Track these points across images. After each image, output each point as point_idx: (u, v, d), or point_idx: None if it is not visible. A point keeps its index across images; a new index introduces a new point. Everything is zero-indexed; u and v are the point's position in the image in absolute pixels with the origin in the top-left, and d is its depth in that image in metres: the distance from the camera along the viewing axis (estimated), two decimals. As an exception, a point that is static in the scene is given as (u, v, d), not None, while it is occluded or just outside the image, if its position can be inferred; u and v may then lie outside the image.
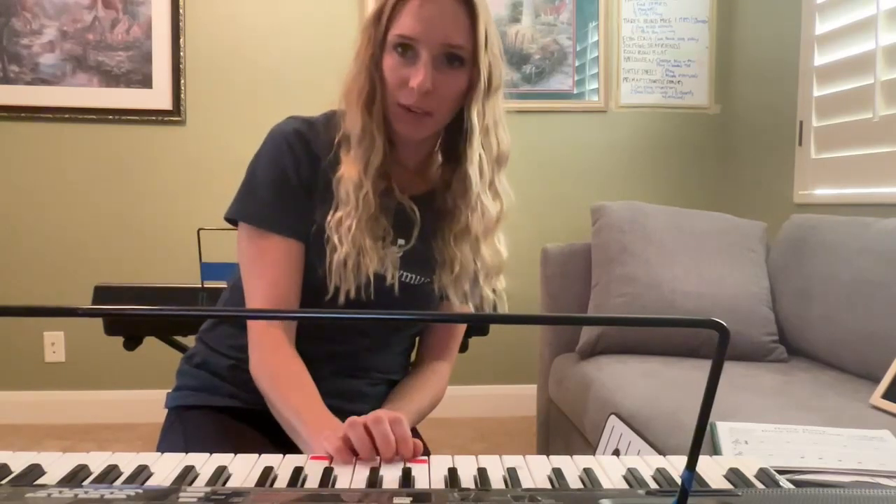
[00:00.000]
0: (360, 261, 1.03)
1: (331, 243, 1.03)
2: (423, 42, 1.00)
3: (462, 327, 1.22)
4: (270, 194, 1.06)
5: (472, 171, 1.06)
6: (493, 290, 1.14)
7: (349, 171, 1.04)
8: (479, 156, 1.07)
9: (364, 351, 1.14)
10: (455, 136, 1.10)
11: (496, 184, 1.12)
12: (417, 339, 1.25)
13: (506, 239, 1.17)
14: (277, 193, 1.06)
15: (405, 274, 1.11)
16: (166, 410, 1.19)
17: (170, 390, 1.21)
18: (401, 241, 1.10)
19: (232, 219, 1.10)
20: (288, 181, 1.06)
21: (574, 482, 0.67)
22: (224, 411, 1.13)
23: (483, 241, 1.11)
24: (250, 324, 1.07)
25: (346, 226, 1.03)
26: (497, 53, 1.06)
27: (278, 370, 1.03)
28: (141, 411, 2.85)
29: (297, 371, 1.03)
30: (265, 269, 1.06)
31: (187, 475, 0.66)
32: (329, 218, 1.04)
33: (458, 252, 1.10)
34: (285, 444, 0.98)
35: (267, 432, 1.10)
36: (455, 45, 1.01)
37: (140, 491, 0.59)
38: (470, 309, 1.17)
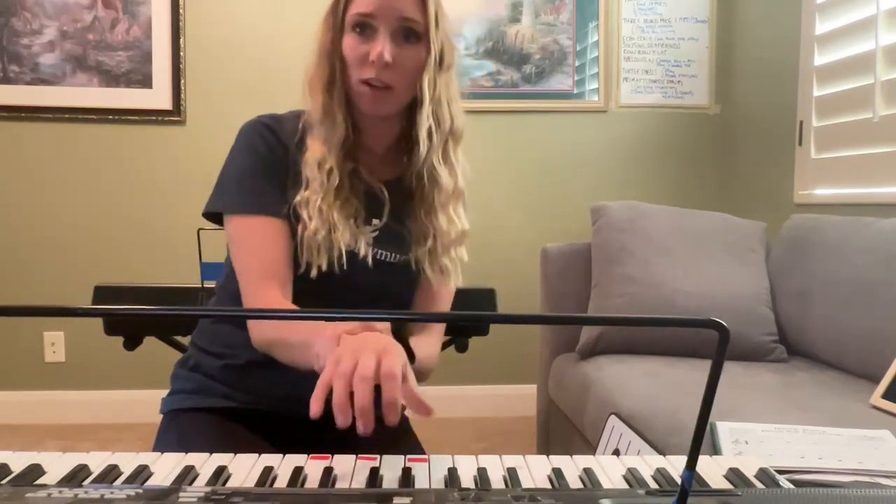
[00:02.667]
0: (332, 236, 1.06)
1: (301, 221, 1.07)
2: (380, 17, 1.05)
3: (447, 300, 1.22)
4: (246, 180, 1.10)
5: (422, 137, 1.09)
6: (451, 260, 1.16)
7: (313, 150, 1.09)
8: (430, 126, 1.10)
9: None
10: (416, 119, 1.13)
11: (451, 157, 1.14)
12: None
13: (465, 213, 1.19)
14: (253, 178, 1.10)
15: (381, 252, 1.13)
16: (161, 415, 1.20)
17: (165, 395, 1.21)
18: (375, 221, 1.14)
19: (211, 213, 1.14)
20: (264, 164, 1.10)
21: (574, 482, 0.67)
22: (218, 412, 1.14)
23: (441, 211, 1.14)
24: (246, 299, 1.08)
25: (313, 201, 1.07)
26: (449, 35, 1.12)
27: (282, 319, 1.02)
28: (141, 411, 2.84)
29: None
30: (252, 246, 1.08)
31: (187, 475, 0.66)
32: (298, 197, 1.08)
33: (430, 226, 1.14)
34: (281, 444, 0.99)
35: (262, 432, 1.11)
36: (409, 19, 1.06)
37: (140, 491, 0.59)
38: (449, 284, 1.18)
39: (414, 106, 1.12)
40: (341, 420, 0.71)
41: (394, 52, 1.05)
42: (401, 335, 0.95)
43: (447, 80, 1.12)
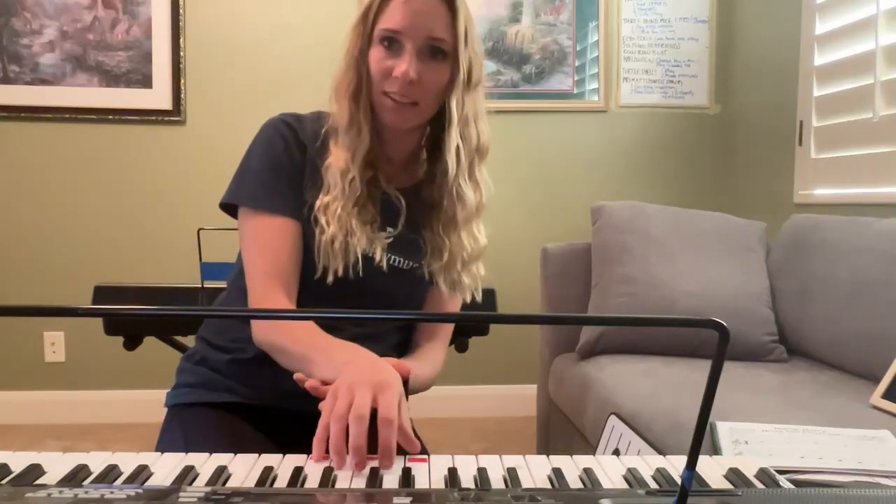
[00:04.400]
0: (349, 241, 1.08)
1: (319, 225, 1.08)
2: (408, 35, 1.06)
3: (455, 310, 1.23)
4: (265, 177, 1.11)
5: (450, 158, 1.10)
6: (471, 276, 1.18)
7: (337, 159, 1.10)
8: (458, 146, 1.11)
9: (356, 339, 1.14)
10: (439, 132, 1.14)
11: (476, 174, 1.15)
12: (408, 332, 1.26)
13: (485, 228, 1.20)
14: (272, 176, 1.11)
15: (394, 258, 1.14)
16: (166, 409, 1.20)
17: (169, 389, 1.21)
18: (390, 229, 1.15)
19: (227, 204, 1.14)
20: (281, 164, 1.11)
21: (574, 482, 0.67)
22: (222, 407, 1.14)
23: (463, 228, 1.15)
24: (251, 297, 1.10)
25: (333, 209, 1.08)
26: (477, 51, 1.12)
27: (283, 323, 1.06)
28: (141, 411, 2.85)
29: (305, 322, 1.06)
30: (264, 244, 1.10)
31: (187, 475, 0.66)
32: (318, 202, 1.09)
33: (446, 240, 1.15)
34: (282, 440, 0.99)
35: (264, 428, 1.12)
36: (437, 38, 1.06)
37: (140, 491, 0.58)
38: (458, 295, 1.19)
39: (436, 117, 1.13)
40: (338, 462, 0.72)
41: (419, 69, 1.06)
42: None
43: (474, 97, 1.12)
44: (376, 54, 1.08)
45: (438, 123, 1.14)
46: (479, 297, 1.20)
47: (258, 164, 1.12)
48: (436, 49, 1.07)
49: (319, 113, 1.16)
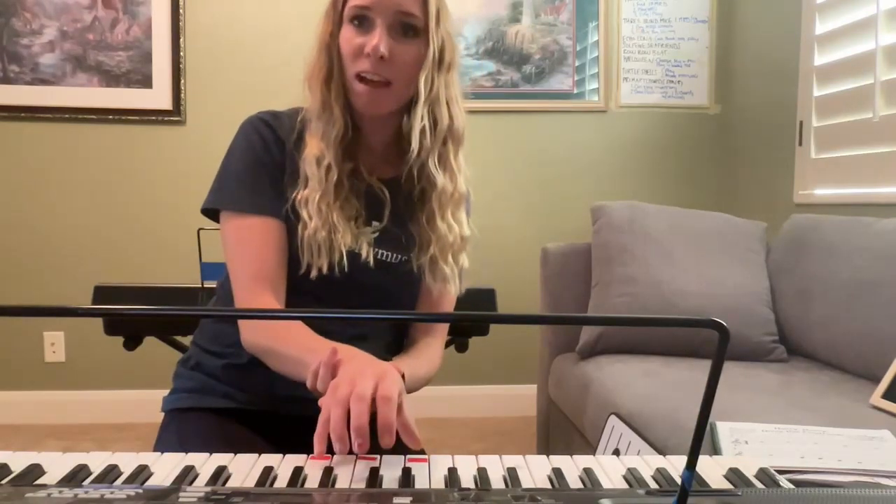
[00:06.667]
0: (332, 237, 1.05)
1: (301, 220, 1.06)
2: (378, 10, 1.04)
3: (449, 303, 1.21)
4: (245, 178, 1.09)
5: (414, 136, 1.08)
6: (449, 266, 1.14)
7: (311, 147, 1.08)
8: (424, 126, 1.08)
9: (350, 341, 1.13)
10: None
11: (451, 162, 1.12)
12: (402, 330, 1.25)
13: (469, 218, 1.18)
14: (251, 177, 1.09)
15: (381, 252, 1.13)
16: (163, 413, 1.20)
17: (167, 393, 1.21)
18: (375, 223, 1.13)
19: (209, 209, 1.13)
20: (260, 164, 1.10)
21: (574, 482, 0.67)
22: (218, 413, 1.13)
23: (439, 216, 1.12)
24: (238, 301, 1.08)
25: (312, 200, 1.05)
26: (451, 33, 1.10)
27: (274, 325, 1.04)
28: (141, 411, 2.85)
29: (293, 322, 1.04)
30: (247, 247, 1.08)
31: (187, 475, 0.66)
32: (298, 196, 1.07)
33: (431, 234, 1.12)
34: (281, 445, 0.99)
35: (262, 433, 1.11)
36: (407, 13, 1.05)
37: (140, 491, 0.59)
38: (450, 292, 1.17)
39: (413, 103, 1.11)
40: (339, 447, 0.72)
41: (390, 45, 1.04)
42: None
43: (447, 80, 1.10)
44: (347, 34, 1.06)
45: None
46: (460, 290, 1.17)
47: (237, 165, 1.11)
48: (407, 26, 1.05)
49: (297, 108, 1.14)
